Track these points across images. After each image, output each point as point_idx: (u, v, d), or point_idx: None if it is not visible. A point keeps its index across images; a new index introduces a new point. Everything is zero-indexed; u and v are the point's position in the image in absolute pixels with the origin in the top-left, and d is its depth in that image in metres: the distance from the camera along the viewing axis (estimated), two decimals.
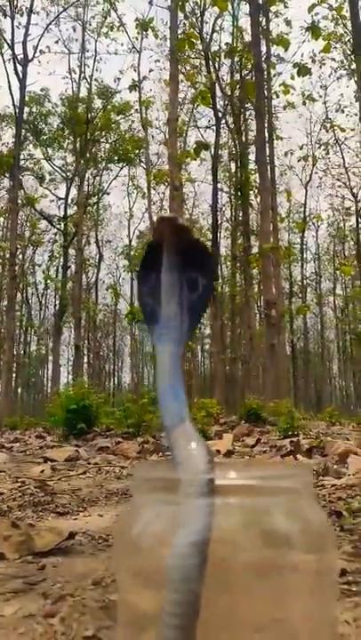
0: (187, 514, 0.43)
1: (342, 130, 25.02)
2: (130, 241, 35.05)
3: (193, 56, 22.43)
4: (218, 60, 23.75)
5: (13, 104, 24.02)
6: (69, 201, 30.66)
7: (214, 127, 24.44)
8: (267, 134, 17.08)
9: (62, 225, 31.02)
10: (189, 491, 0.44)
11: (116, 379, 46.89)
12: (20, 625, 0.97)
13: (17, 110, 23.72)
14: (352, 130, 25.89)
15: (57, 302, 33.27)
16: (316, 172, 31.56)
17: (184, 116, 24.00)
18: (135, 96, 25.06)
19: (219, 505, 0.43)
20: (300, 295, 33.94)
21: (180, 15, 17.92)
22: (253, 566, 0.44)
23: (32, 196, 31.01)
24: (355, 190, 30.01)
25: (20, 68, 23.62)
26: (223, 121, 24.70)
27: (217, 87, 23.54)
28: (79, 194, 27.59)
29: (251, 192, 22.71)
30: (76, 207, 28.64)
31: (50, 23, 26.28)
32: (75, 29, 29.78)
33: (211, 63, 23.44)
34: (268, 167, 17.42)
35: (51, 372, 34.75)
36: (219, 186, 24.80)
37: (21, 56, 23.78)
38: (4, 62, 24.11)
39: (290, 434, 7.44)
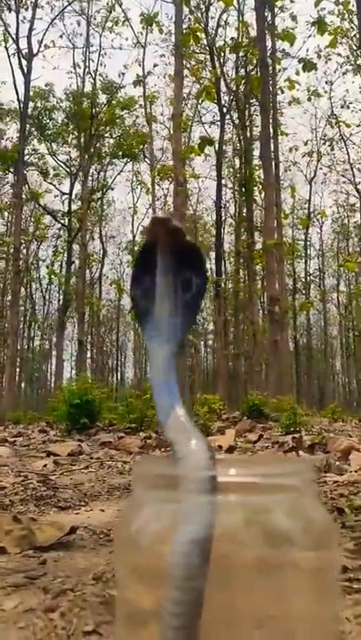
0: (189, 511, 0.43)
1: (348, 126, 24.93)
2: (133, 236, 35.04)
3: (198, 51, 22.34)
4: (223, 54, 23.66)
5: (18, 99, 24.01)
6: (73, 196, 30.67)
7: (219, 123, 24.37)
8: (271, 130, 17.01)
9: (66, 220, 31.02)
10: (191, 488, 0.44)
11: (119, 374, 46.96)
12: (21, 619, 0.96)
13: (21, 105, 23.69)
14: (357, 126, 25.81)
15: (60, 297, 33.37)
16: (321, 168, 31.47)
17: (188, 112, 23.95)
18: (140, 91, 25.02)
19: (220, 502, 0.43)
20: (304, 291, 33.88)
21: (186, 10, 17.87)
22: (255, 563, 0.44)
23: (36, 190, 31.01)
24: (360, 187, 29.89)
25: (24, 62, 23.58)
26: (228, 116, 24.62)
27: (222, 82, 23.46)
28: (83, 189, 27.57)
29: (255, 188, 22.64)
30: (80, 202, 28.64)
31: (55, 17, 26.20)
32: (79, 24, 29.82)
33: (216, 58, 23.35)
34: (273, 163, 17.37)
35: (54, 366, 34.86)
36: (223, 182, 24.78)
37: (26, 50, 23.74)
38: (9, 57, 24.05)
39: (292, 430, 7.44)
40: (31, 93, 25.37)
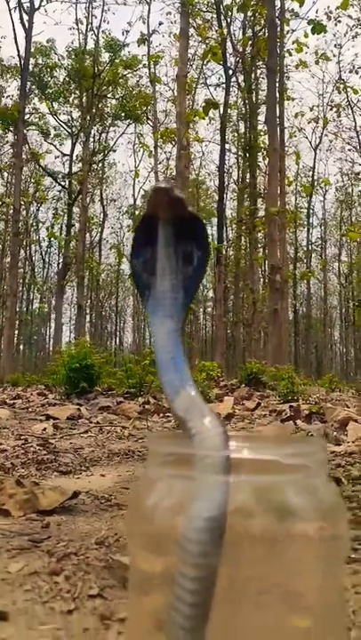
0: (204, 489, 0.43)
1: (355, 92, 24.35)
2: (135, 200, 34.70)
3: (204, 9, 21.69)
4: (230, 14, 22.96)
5: (19, 55, 23.33)
6: (74, 158, 30.22)
7: (224, 85, 23.83)
8: (278, 94, 16.64)
9: (67, 182, 30.63)
10: (206, 467, 0.44)
11: (117, 339, 47.11)
12: (26, 582, 0.99)
13: (22, 61, 23.07)
14: None
15: (60, 260, 33.21)
16: (327, 135, 30.94)
17: (193, 73, 23.38)
18: (144, 50, 24.39)
19: (234, 481, 0.43)
20: (305, 260, 33.73)
21: None
22: (266, 537, 0.44)
23: (37, 151, 30.53)
24: None
25: (25, 16, 22.89)
26: (233, 79, 24.06)
27: (228, 43, 22.84)
28: (84, 150, 27.12)
29: (259, 154, 22.29)
30: (80, 164, 28.22)
31: None
32: None
33: (222, 17, 22.68)
34: (278, 128, 17.05)
35: (53, 330, 34.94)
36: (227, 146, 24.36)
37: (27, 4, 23.02)
38: (10, 10, 23.33)
39: (290, 399, 7.51)
40: (32, 49, 24.72)
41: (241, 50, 23.20)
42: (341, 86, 26.17)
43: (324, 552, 0.49)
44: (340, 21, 23.04)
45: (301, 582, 0.47)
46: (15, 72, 27.08)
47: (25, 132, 25.46)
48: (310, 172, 31.70)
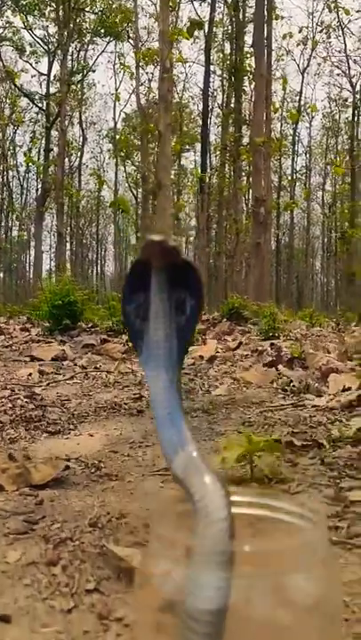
0: (206, 583, 0.45)
1: (347, 12, 23.22)
2: (115, 124, 33.37)
3: None
4: None
5: None
6: (52, 78, 28.74)
7: (209, 1, 22.49)
8: (265, 13, 15.79)
9: (44, 104, 29.29)
10: (209, 559, 0.46)
11: (99, 267, 46.73)
12: (25, 574, 1.03)
13: None
14: (358, 12, 24.05)
15: (39, 186, 32.27)
16: (315, 58, 29.68)
17: None
18: None
19: (235, 574, 0.45)
20: (289, 190, 33.24)
21: None
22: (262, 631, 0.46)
23: (12, 69, 28.91)
24: (354, 80, 28.45)
25: None
26: None
27: None
28: (62, 69, 25.76)
29: (245, 78, 21.41)
30: (58, 85, 26.88)
31: None
32: None
33: None
34: (265, 51, 16.31)
35: (33, 257, 34.45)
36: (211, 68, 23.32)
37: None
38: None
39: (271, 336, 7.63)
40: None
41: None
42: (333, 5, 24.84)
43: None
44: None
45: None
46: None
47: None
48: (297, 97, 30.67)
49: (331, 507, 1.35)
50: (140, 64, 21.36)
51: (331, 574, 0.48)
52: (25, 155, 31.88)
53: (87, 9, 26.79)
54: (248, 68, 20.42)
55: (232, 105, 23.20)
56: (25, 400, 2.86)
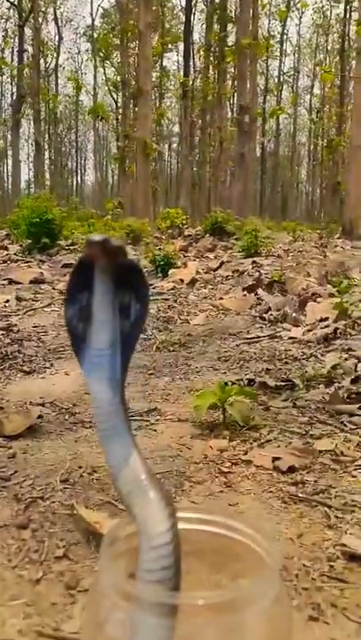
0: (145, 631, 0.45)
1: None
2: (93, 20, 31.11)
3: None
4: None
5: None
6: None
7: None
8: None
9: None
10: (151, 608, 0.45)
11: (79, 177, 45.27)
12: None
13: None
14: None
15: (14, 91, 30.48)
16: None
17: None
18: None
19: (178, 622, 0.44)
20: (276, 93, 31.78)
21: None
22: None
23: None
24: None
25: None
26: None
27: None
28: None
29: None
30: None
31: None
32: None
33: None
34: None
35: (10, 167, 33.20)
36: None
37: None
38: None
39: (253, 252, 7.57)
40: None
41: None
42: None
43: None
44: None
45: None
46: None
47: None
48: None
49: (299, 458, 1.37)
50: None
51: (282, 615, 0.48)
52: None
53: None
54: None
55: (217, 1, 21.58)
56: (1, 333, 2.83)
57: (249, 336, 2.76)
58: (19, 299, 3.98)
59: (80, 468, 1.34)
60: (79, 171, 44.60)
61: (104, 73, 31.87)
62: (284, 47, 31.57)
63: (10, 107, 30.91)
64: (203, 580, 0.59)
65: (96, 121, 26.84)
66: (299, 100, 34.73)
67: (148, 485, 0.54)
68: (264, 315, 3.22)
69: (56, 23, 31.92)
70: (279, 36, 29.66)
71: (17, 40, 27.55)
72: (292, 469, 1.32)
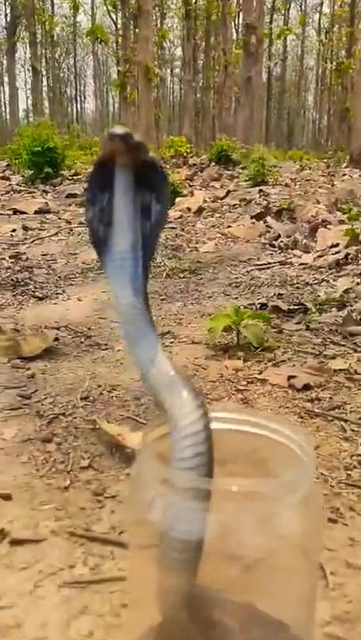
0: (180, 515, 0.46)
1: None
2: None
3: None
4: None
5: None
6: None
7: None
8: None
9: None
10: (186, 493, 0.47)
11: (78, 104, 43.74)
12: (22, 451, 1.08)
13: None
14: None
15: (8, 13, 28.93)
16: None
17: None
18: None
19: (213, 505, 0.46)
20: (283, 13, 30.11)
21: None
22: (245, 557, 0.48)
23: None
24: None
25: None
26: None
27: None
28: None
29: None
30: None
31: None
32: None
33: None
34: None
35: (7, 95, 32.09)
36: None
37: None
38: None
39: (260, 181, 7.40)
40: None
41: None
42: None
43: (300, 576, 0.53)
44: None
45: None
46: None
47: None
48: None
49: (314, 377, 1.39)
50: None
51: (314, 511, 0.49)
52: None
53: None
54: None
55: None
56: (10, 261, 2.82)
57: (259, 263, 2.74)
58: (25, 228, 3.94)
59: (99, 386, 1.36)
60: (78, 98, 43.08)
61: None
62: None
63: (4, 29, 29.50)
64: (237, 477, 0.60)
65: (95, 44, 25.65)
66: (307, 19, 32.95)
67: (177, 381, 0.55)
68: (274, 242, 3.19)
69: None
70: None
71: None
72: (307, 387, 1.34)
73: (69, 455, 1.07)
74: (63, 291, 2.31)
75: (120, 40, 24.13)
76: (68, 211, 4.97)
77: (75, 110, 42.55)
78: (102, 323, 1.88)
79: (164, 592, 0.51)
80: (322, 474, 0.99)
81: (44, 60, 32.71)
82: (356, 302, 1.94)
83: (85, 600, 0.71)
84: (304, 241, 3.06)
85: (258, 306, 1.96)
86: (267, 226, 3.80)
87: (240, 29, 17.49)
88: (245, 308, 1.83)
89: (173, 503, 0.47)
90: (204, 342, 1.67)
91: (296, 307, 1.96)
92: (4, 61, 31.89)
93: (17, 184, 7.27)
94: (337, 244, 2.81)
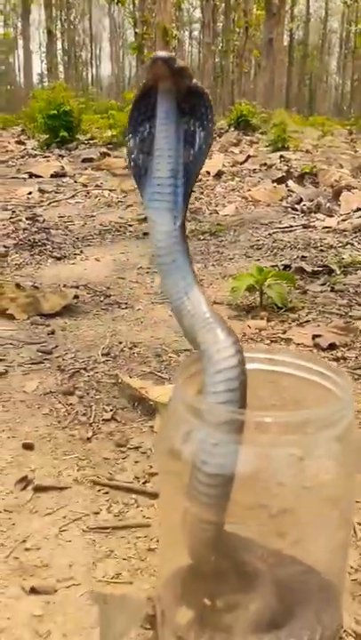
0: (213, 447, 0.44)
1: None
2: None
3: None
4: None
5: None
6: None
7: None
8: None
9: None
10: (220, 426, 0.45)
11: (94, 69, 43.00)
12: (44, 404, 1.07)
13: None
14: None
15: None
16: None
17: None
18: None
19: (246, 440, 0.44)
20: None
21: None
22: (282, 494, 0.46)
23: None
24: None
25: None
26: None
27: None
28: None
29: None
30: None
31: None
32: None
33: None
34: None
35: (22, 59, 31.63)
36: None
37: None
38: None
39: (280, 147, 7.24)
40: None
41: None
42: None
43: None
44: None
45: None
46: None
47: None
48: None
49: (340, 336, 1.36)
50: None
51: (351, 449, 0.47)
52: None
53: None
54: None
55: None
56: (27, 222, 2.79)
57: (281, 226, 2.68)
58: (41, 191, 3.89)
59: (120, 343, 1.35)
60: (94, 62, 42.33)
61: None
62: None
63: None
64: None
65: (111, 5, 25.02)
66: None
67: (211, 317, 0.53)
68: (296, 205, 3.12)
69: None
70: None
71: None
72: (332, 346, 1.31)
73: (91, 408, 1.06)
74: (81, 251, 2.28)
75: (137, 1, 23.52)
76: (85, 174, 4.90)
77: (90, 75, 41.88)
78: (121, 283, 1.86)
79: (193, 529, 0.49)
80: None
81: (58, 22, 32.07)
82: None
83: (111, 544, 0.70)
84: (327, 204, 2.99)
85: (281, 267, 1.91)
86: (288, 190, 3.71)
87: None
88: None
89: (206, 436, 0.45)
90: (226, 303, 1.64)
91: (320, 269, 1.91)
92: (19, 24, 31.33)
93: (32, 148, 7.20)
94: None
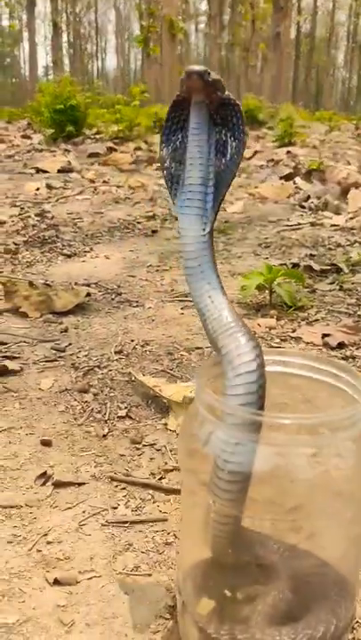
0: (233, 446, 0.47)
1: None
2: None
3: None
4: None
5: None
6: None
7: None
8: None
9: None
10: (239, 424, 0.47)
11: (99, 61, 42.88)
12: (60, 401, 1.10)
13: None
14: None
15: None
16: None
17: None
18: None
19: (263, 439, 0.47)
20: None
21: None
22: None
23: None
24: None
25: None
26: None
27: None
28: None
29: None
30: None
31: None
32: None
33: None
34: None
35: (27, 51, 31.55)
36: None
37: None
38: None
39: (287, 142, 7.24)
40: None
41: None
42: None
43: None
44: None
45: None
46: None
47: None
48: None
49: (349, 336, 1.38)
50: None
51: None
52: None
53: None
54: None
55: None
56: (36, 219, 2.81)
57: (289, 223, 2.69)
58: (49, 187, 3.91)
59: (132, 341, 1.37)
60: (99, 55, 42.20)
61: None
62: None
63: None
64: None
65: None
66: None
67: (233, 322, 0.55)
68: (303, 203, 3.13)
69: None
70: None
71: None
72: (341, 345, 1.33)
73: (106, 405, 1.08)
74: (91, 249, 2.30)
75: None
76: (92, 170, 4.92)
77: (95, 68, 41.76)
78: (131, 281, 1.88)
79: (215, 523, 0.52)
80: None
81: (64, 14, 31.99)
82: None
83: (129, 538, 0.73)
84: (335, 202, 3.00)
85: (290, 266, 1.93)
86: (296, 187, 3.72)
87: None
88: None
89: (227, 436, 0.48)
90: (235, 301, 1.66)
91: (329, 267, 1.93)
92: (24, 16, 31.21)
93: (38, 143, 7.21)
94: None
